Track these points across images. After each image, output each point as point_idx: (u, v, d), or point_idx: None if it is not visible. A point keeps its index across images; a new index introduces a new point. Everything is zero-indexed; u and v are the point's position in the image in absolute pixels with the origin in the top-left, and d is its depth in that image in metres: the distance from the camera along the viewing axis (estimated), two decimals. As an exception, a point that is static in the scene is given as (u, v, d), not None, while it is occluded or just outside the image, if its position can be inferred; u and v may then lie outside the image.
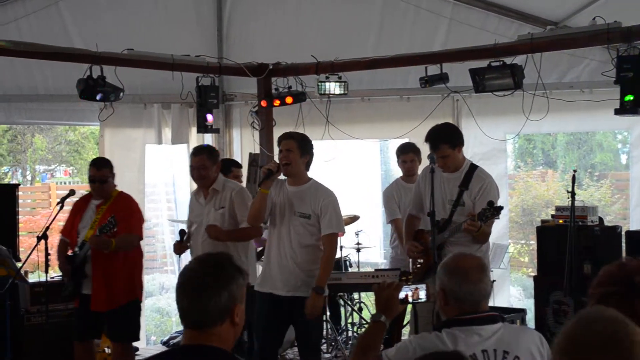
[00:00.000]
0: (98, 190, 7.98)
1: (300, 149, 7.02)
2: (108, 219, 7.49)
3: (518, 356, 3.87)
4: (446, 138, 7.01)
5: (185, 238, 8.00)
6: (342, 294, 10.16)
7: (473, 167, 7.06)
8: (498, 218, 6.85)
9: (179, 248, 8.04)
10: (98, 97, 9.01)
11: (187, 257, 8.35)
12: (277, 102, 10.27)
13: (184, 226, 8.29)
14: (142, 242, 10.81)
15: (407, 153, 9.35)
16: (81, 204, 8.13)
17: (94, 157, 9.77)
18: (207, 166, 7.75)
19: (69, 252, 7.93)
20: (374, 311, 4.21)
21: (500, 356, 3.85)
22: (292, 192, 7.07)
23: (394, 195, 9.44)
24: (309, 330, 7.05)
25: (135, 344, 10.34)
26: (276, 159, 7.26)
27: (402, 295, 4.30)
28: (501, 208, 6.58)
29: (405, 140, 10.41)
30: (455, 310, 3.97)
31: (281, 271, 6.99)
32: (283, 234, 7.03)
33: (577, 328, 2.31)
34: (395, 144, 10.37)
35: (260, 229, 7.69)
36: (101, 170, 7.97)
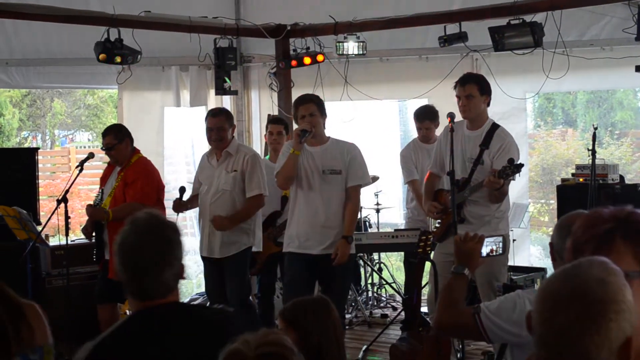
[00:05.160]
0: (111, 158, 8.09)
1: (319, 110, 7.11)
2: (98, 191, 7.55)
3: None
4: (477, 80, 7.13)
5: (187, 197, 8.01)
6: (362, 254, 10.16)
7: (495, 127, 7.05)
8: (519, 175, 6.84)
9: (177, 206, 7.99)
10: (116, 60, 9.00)
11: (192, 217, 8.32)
12: (295, 63, 10.22)
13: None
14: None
15: (422, 121, 9.30)
16: (107, 171, 8.28)
17: (113, 120, 9.81)
18: (225, 128, 7.78)
19: None
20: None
21: None
22: (315, 151, 7.15)
23: (412, 156, 9.41)
24: (342, 286, 7.17)
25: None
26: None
27: (487, 249, 4.25)
28: (522, 165, 6.56)
29: (425, 100, 10.38)
30: None
31: (314, 230, 7.09)
32: (312, 193, 7.12)
33: (550, 283, 2.31)
34: (414, 103, 10.32)
35: (262, 200, 7.77)
36: (105, 138, 8.09)
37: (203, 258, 8.01)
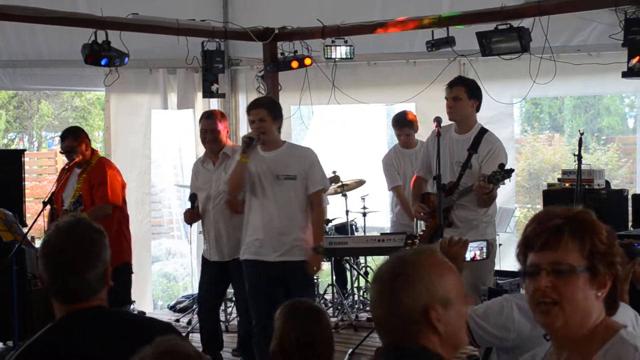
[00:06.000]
0: (70, 160, 8.09)
1: (271, 115, 7.01)
2: (76, 196, 7.55)
3: None
4: (466, 83, 7.14)
5: (196, 204, 7.94)
6: (348, 258, 10.18)
7: (483, 131, 7.06)
8: (509, 181, 6.85)
9: (190, 216, 7.98)
10: (103, 63, 8.99)
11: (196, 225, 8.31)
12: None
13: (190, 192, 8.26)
14: (147, 208, 10.88)
15: (401, 128, 9.38)
16: (64, 173, 8.24)
17: (100, 123, 9.85)
18: (220, 130, 7.75)
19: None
20: None
21: None
22: (269, 157, 7.07)
23: (393, 162, 9.49)
24: (301, 294, 7.00)
25: (142, 308, 10.43)
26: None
27: (470, 254, 4.26)
28: (512, 170, 6.57)
29: (412, 104, 10.41)
30: None
31: (269, 237, 7.00)
32: (267, 200, 7.03)
33: None
34: (401, 107, 10.34)
35: None
36: (64, 141, 8.13)
37: (207, 262, 7.97)
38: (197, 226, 9.78)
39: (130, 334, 3.11)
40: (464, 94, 7.00)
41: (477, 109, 7.15)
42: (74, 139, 8.07)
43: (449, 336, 2.62)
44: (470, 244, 4.24)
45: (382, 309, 2.66)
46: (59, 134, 8.61)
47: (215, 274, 7.85)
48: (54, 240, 3.15)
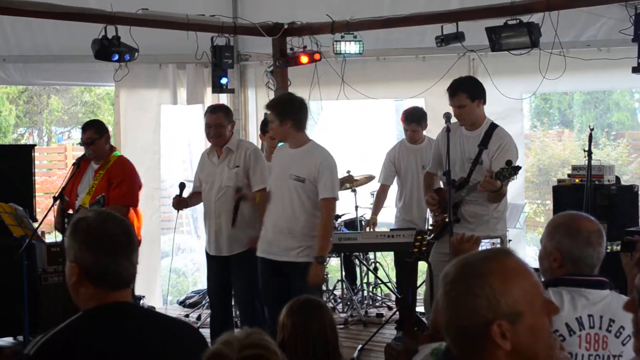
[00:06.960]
0: (90, 153, 8.06)
1: (278, 115, 7.02)
2: (97, 197, 7.51)
3: (623, 326, 3.62)
4: (465, 87, 6.97)
5: (189, 194, 7.98)
6: (357, 254, 10.18)
7: (493, 126, 7.00)
8: (515, 178, 6.80)
9: (177, 202, 7.91)
10: (113, 58, 9.02)
11: (196, 214, 8.33)
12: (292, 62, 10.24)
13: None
14: (156, 203, 10.90)
15: (409, 123, 9.38)
16: (82, 165, 8.20)
17: (110, 118, 9.83)
18: (224, 125, 7.75)
19: (69, 212, 8.00)
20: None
21: (605, 324, 3.64)
22: (290, 154, 7.09)
23: (395, 158, 9.57)
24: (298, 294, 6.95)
25: (151, 303, 10.46)
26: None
27: None
28: (519, 168, 6.50)
29: (421, 100, 10.40)
30: (567, 272, 3.75)
31: (277, 236, 7.02)
32: (279, 197, 7.04)
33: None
34: (411, 103, 10.33)
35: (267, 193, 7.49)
36: (85, 132, 8.08)
37: (209, 257, 7.98)
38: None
39: (158, 335, 3.12)
40: (467, 99, 6.89)
41: (484, 103, 7.08)
42: (96, 131, 8.05)
43: (519, 352, 2.35)
44: (483, 241, 4.22)
45: (443, 317, 2.44)
46: (69, 128, 8.59)
47: (218, 268, 7.84)
48: (98, 225, 3.10)
